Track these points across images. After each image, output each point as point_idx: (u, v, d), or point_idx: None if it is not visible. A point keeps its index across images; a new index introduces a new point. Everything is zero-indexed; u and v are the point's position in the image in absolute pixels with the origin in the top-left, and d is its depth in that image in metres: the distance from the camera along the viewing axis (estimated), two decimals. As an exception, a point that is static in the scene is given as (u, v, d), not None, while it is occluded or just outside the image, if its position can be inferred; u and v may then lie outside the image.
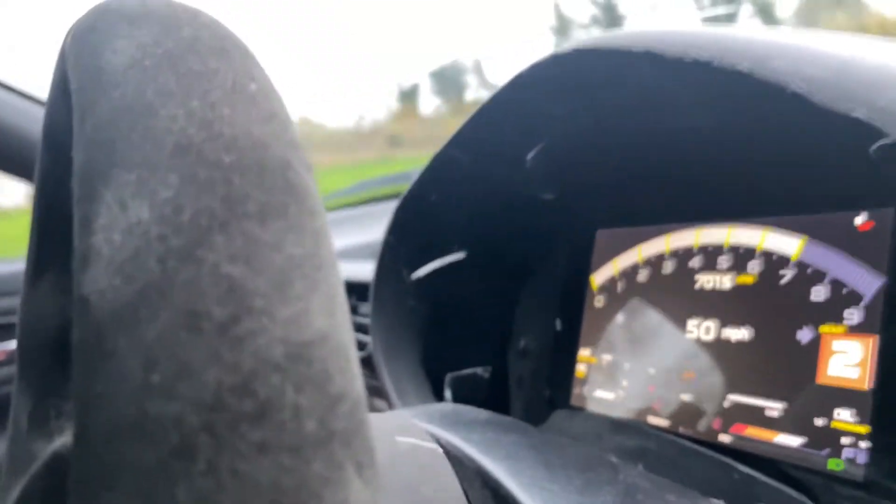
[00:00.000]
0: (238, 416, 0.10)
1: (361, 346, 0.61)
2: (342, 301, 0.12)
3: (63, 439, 0.17)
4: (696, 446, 0.34)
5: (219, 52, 0.13)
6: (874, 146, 0.19)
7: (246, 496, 0.10)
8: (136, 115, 0.12)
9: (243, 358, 0.10)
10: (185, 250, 0.11)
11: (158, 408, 0.10)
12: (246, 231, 0.11)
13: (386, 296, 0.49)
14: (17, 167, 0.75)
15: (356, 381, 0.11)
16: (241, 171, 0.12)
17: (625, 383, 0.42)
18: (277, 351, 0.11)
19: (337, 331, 0.11)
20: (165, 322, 0.10)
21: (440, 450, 0.26)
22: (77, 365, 0.11)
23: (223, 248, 0.11)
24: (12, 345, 0.70)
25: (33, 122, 0.72)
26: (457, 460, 0.26)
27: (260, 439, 0.10)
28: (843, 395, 0.30)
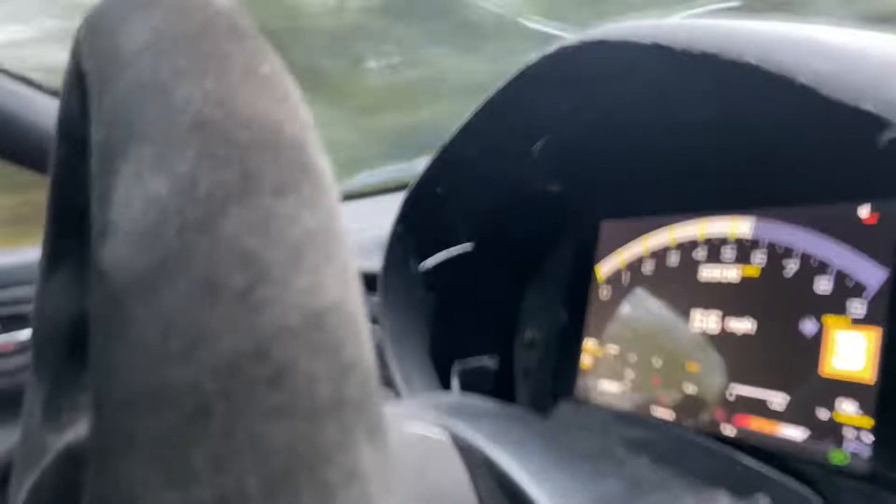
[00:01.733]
0: (254, 381, 0.10)
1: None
2: (354, 274, 0.12)
3: (76, 431, 0.17)
4: (699, 438, 0.35)
5: (231, 36, 0.14)
6: (883, 138, 0.19)
7: (260, 460, 0.10)
8: (153, 93, 0.12)
9: (260, 324, 0.10)
10: (203, 222, 0.11)
11: (176, 374, 0.10)
12: (262, 204, 0.11)
13: (394, 286, 0.49)
14: (33, 159, 0.76)
15: (367, 350, 0.12)
16: (257, 148, 0.12)
17: (629, 375, 0.42)
18: (293, 318, 0.11)
19: (350, 301, 0.12)
20: (183, 290, 0.11)
21: (448, 439, 0.27)
22: (94, 337, 0.11)
23: (240, 220, 0.11)
24: (19, 335, 0.71)
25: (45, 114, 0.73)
26: (465, 449, 0.26)
27: (275, 404, 0.10)
28: (847, 388, 0.30)
